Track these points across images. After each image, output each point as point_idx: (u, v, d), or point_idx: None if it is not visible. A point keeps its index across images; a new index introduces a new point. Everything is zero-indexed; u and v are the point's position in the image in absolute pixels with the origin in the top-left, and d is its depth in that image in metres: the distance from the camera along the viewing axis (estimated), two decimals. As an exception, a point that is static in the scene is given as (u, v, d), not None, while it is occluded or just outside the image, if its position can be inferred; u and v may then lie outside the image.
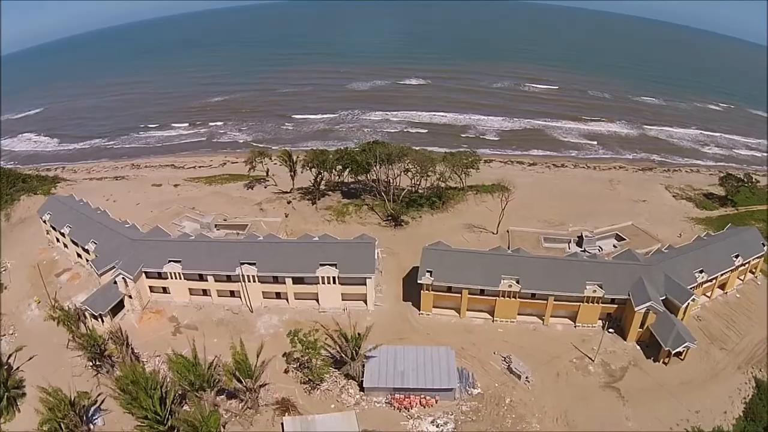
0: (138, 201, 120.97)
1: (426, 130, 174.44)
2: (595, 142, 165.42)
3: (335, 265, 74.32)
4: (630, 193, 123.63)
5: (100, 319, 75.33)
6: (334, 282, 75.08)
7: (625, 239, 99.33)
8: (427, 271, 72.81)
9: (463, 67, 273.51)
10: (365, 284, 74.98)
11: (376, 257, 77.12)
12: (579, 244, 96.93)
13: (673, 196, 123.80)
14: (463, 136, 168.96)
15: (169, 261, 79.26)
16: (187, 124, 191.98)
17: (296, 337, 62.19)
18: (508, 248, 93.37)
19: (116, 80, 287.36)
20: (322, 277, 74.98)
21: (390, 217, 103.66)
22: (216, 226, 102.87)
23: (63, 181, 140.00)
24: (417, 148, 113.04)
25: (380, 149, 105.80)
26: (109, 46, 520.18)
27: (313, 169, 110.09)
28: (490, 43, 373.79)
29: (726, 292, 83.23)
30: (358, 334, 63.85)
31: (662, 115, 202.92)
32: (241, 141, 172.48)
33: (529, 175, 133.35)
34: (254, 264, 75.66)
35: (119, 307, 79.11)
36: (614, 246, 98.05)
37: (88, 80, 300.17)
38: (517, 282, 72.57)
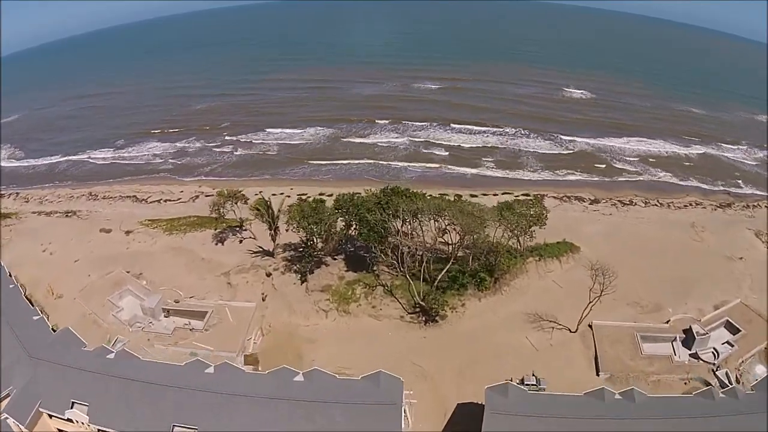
0: (78, 256, 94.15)
1: (446, 152, 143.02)
2: (658, 170, 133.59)
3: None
4: (720, 244, 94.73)
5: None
6: (333, 470, 43.97)
7: (740, 330, 70.11)
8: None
9: (479, 71, 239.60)
10: (384, 472, 43.87)
11: (403, 421, 45.89)
12: (686, 343, 68.00)
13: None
14: (492, 159, 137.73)
15: (74, 404, 50.03)
16: (160, 142, 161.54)
17: None
18: (596, 358, 63.83)
19: (101, 87, 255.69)
20: (312, 462, 43.92)
21: (419, 308, 69.83)
22: (164, 311, 72.73)
23: (5, 218, 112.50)
24: (454, 197, 79.05)
25: (403, 205, 70.59)
26: (106, 48, 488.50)
27: (301, 231, 75.89)
28: (505, 44, 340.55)
29: None
30: None
31: (711, 130, 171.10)
32: (219, 164, 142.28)
33: (595, 219, 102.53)
34: (195, 428, 45.23)
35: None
36: (729, 344, 68.58)
37: (73, 87, 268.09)
38: (643, 465, 42.66)
